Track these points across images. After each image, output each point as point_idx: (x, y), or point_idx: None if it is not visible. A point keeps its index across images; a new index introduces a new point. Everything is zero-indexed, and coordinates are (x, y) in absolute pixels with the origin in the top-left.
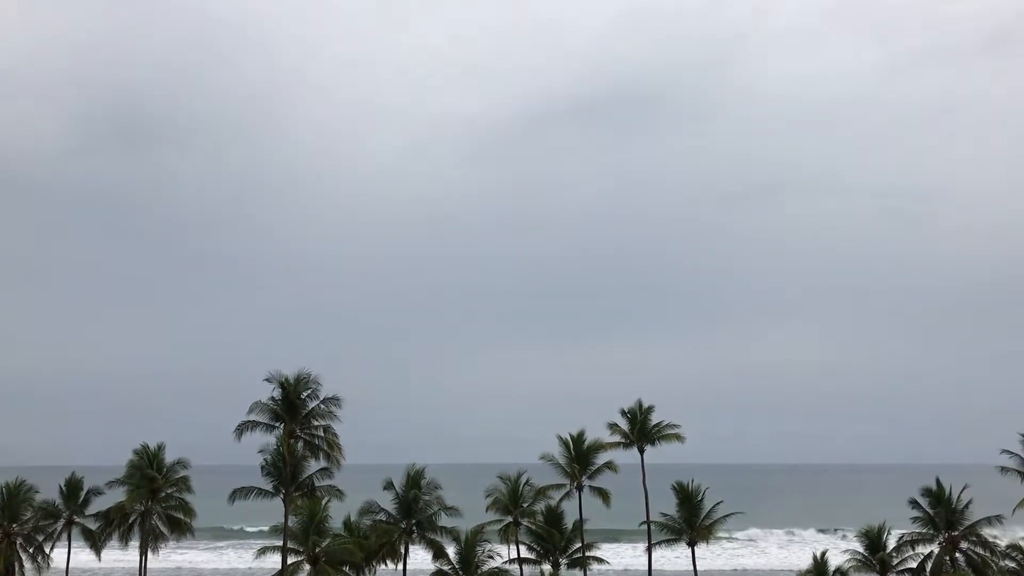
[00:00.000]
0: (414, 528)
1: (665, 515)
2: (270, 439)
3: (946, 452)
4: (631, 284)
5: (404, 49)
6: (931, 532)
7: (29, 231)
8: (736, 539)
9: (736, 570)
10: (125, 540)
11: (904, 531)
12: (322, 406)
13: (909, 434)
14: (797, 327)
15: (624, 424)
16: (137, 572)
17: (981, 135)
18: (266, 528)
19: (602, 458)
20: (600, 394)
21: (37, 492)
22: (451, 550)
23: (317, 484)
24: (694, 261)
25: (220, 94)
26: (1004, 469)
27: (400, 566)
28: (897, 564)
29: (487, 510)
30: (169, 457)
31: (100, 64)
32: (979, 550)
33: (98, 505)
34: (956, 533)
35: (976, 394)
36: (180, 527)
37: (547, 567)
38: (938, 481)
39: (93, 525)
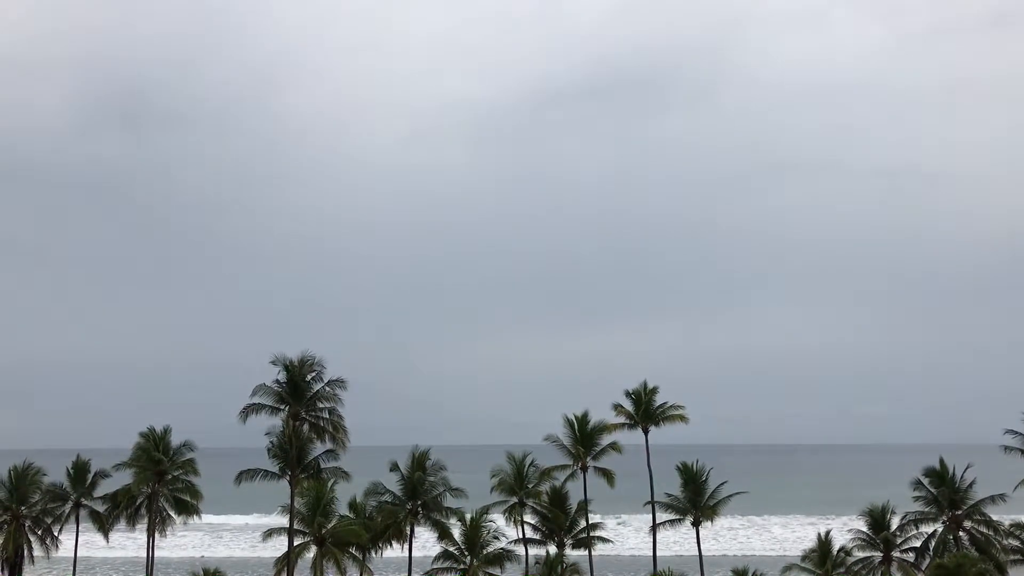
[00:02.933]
0: (420, 509)
1: (670, 495)
2: (275, 422)
3: (951, 432)
4: (634, 266)
5: (406, 34)
6: (934, 511)
7: (29, 215)
8: (740, 519)
9: (737, 556)
10: (132, 522)
11: (908, 511)
12: (327, 388)
13: (913, 414)
14: (800, 308)
15: (628, 405)
16: (144, 551)
17: (984, 114)
18: (270, 515)
19: (606, 439)
20: (604, 377)
21: (44, 475)
22: (456, 531)
23: (323, 466)
24: (697, 243)
25: (221, 79)
26: (1007, 448)
27: (406, 547)
28: (901, 543)
29: (492, 491)
30: (175, 440)
31: (101, 48)
32: (983, 529)
33: (105, 488)
34: (959, 512)
35: (979, 373)
36: (187, 509)
37: (552, 547)
38: (941, 461)
39: (101, 508)
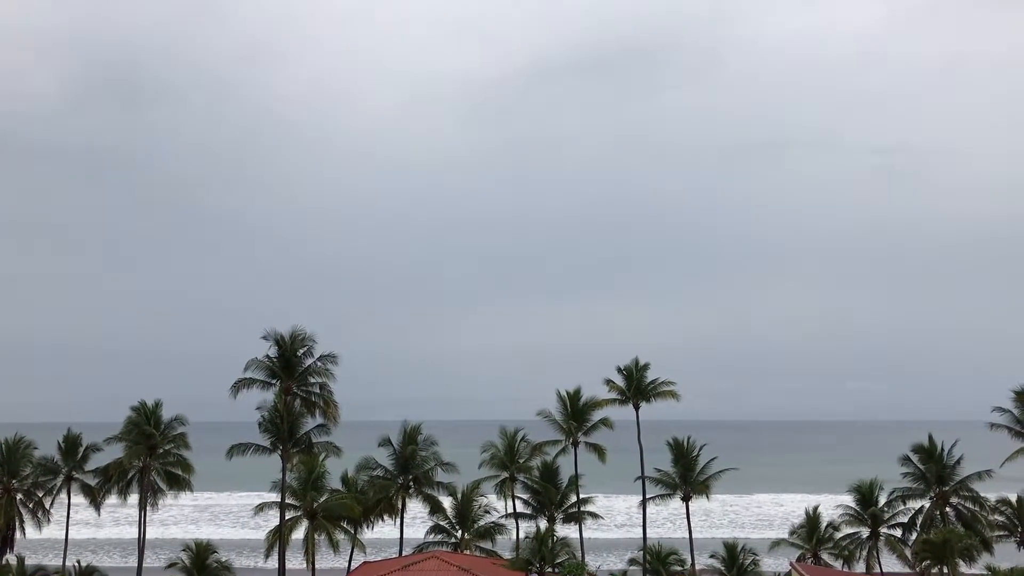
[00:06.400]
0: (411, 483)
1: (660, 471)
2: (266, 396)
3: (942, 408)
4: (630, 241)
5: (403, 5)
6: (922, 487)
7: (26, 190)
8: (730, 495)
9: (728, 535)
10: (124, 496)
11: (896, 486)
12: (318, 363)
13: (906, 390)
14: (796, 284)
15: (620, 381)
16: (130, 529)
17: (981, 91)
18: (260, 492)
19: (598, 415)
20: (598, 352)
21: (36, 448)
22: (448, 505)
23: (314, 441)
24: (694, 218)
25: (217, 51)
26: (994, 425)
27: (397, 521)
28: (888, 518)
29: (483, 466)
30: (166, 414)
31: (97, 22)
32: (969, 505)
33: (96, 462)
34: (947, 488)
35: (973, 350)
36: (179, 483)
37: (543, 522)
38: (930, 437)
39: (92, 481)
